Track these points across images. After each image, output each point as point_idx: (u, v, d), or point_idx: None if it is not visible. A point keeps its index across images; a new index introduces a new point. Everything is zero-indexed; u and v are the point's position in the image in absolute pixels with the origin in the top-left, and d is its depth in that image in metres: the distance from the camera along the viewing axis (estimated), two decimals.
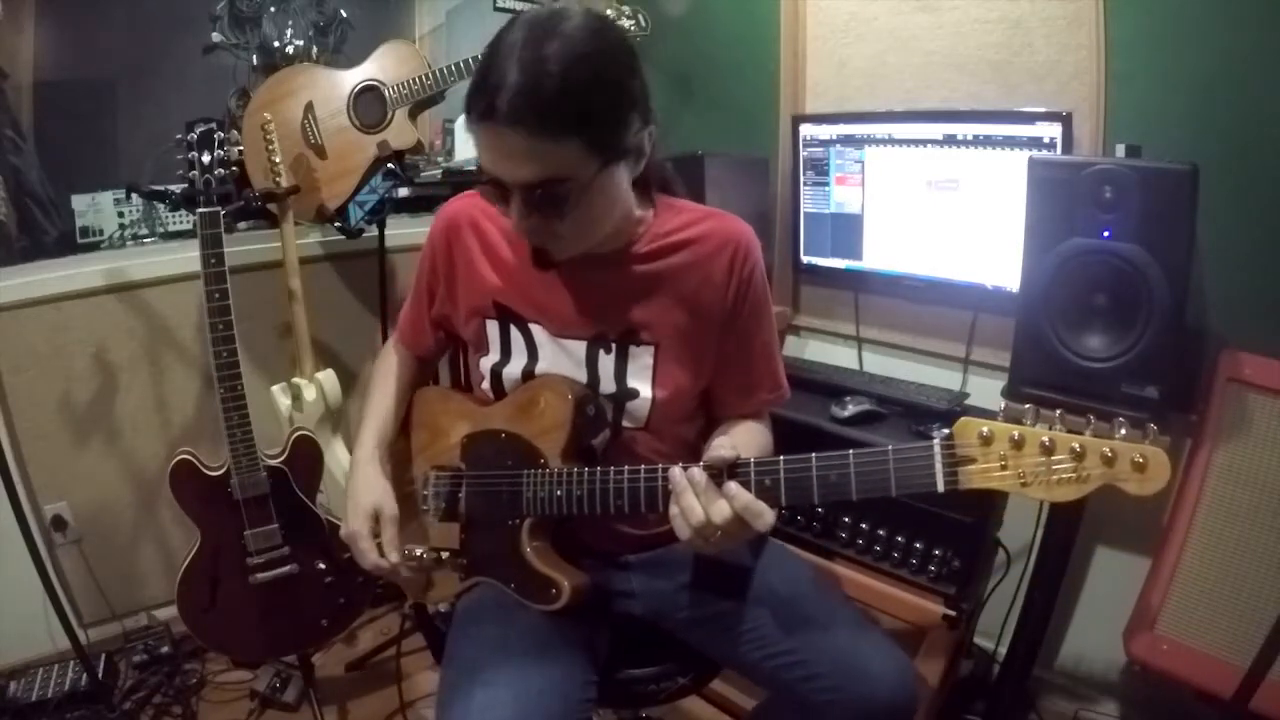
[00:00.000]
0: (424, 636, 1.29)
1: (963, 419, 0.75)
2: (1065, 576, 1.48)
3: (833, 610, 1.04)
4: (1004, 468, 0.73)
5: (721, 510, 0.83)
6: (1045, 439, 0.71)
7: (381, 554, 1.04)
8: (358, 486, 1.09)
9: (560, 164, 0.84)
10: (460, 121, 2.39)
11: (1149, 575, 1.41)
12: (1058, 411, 0.72)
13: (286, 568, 1.56)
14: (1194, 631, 1.34)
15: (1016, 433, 0.72)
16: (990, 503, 1.38)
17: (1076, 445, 0.70)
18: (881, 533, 1.47)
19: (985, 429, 0.73)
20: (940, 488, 0.76)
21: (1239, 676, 1.18)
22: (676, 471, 0.87)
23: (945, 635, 1.40)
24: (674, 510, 0.87)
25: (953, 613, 1.38)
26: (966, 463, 0.74)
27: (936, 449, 0.76)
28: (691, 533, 0.85)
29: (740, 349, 1.07)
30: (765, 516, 0.82)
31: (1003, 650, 1.65)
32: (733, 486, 0.83)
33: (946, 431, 0.76)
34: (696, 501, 0.85)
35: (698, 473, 0.86)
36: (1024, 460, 0.72)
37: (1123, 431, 0.69)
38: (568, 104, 0.81)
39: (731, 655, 1.10)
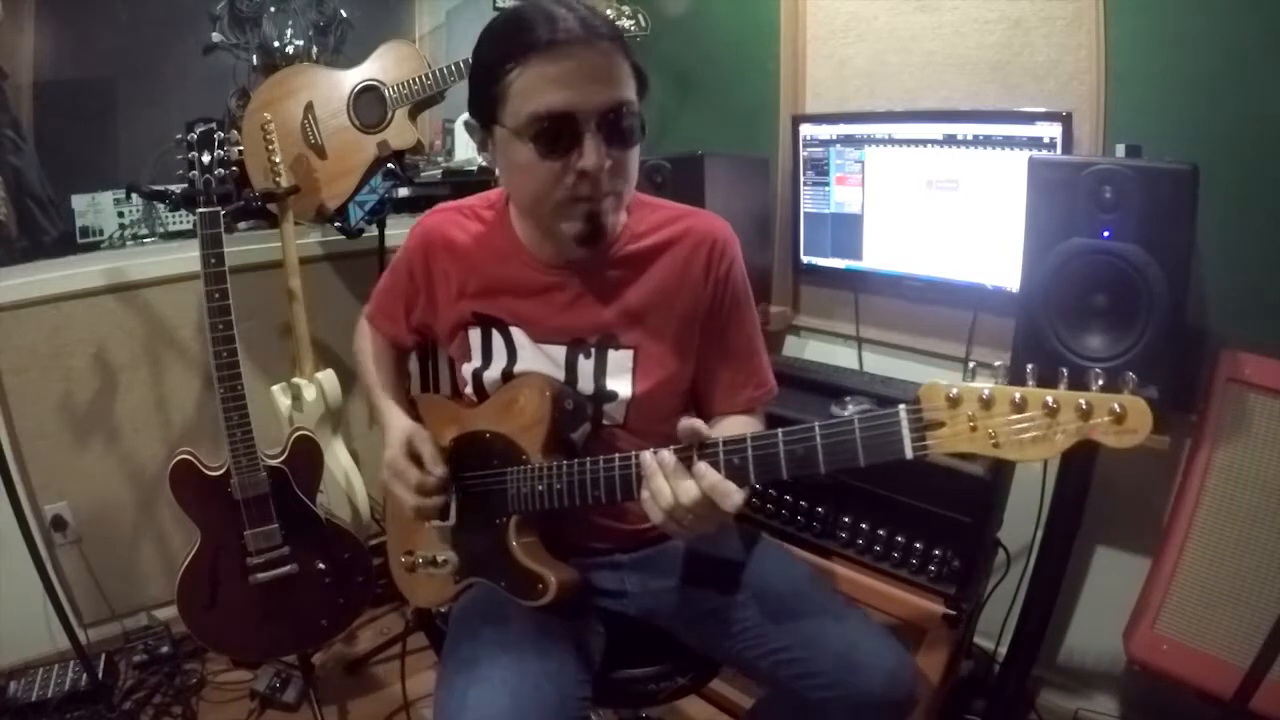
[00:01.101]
0: (426, 636, 1.29)
1: (930, 382, 0.72)
2: (1065, 576, 1.48)
3: (829, 606, 1.04)
4: (974, 429, 0.69)
5: (689, 491, 0.83)
6: (1016, 395, 0.67)
7: (427, 470, 1.04)
8: (388, 427, 1.11)
9: (629, 88, 0.89)
10: (461, 121, 2.39)
11: (1149, 575, 1.41)
12: (1029, 366, 0.68)
13: (286, 568, 1.56)
14: (1194, 631, 1.34)
15: (986, 391, 0.69)
16: (990, 502, 1.38)
17: (1050, 399, 0.66)
18: (881, 533, 1.47)
19: (953, 390, 0.70)
20: (909, 454, 0.73)
21: (1239, 676, 1.17)
22: (646, 455, 0.87)
23: (945, 635, 1.40)
24: (645, 494, 0.87)
25: (953, 612, 1.38)
26: (935, 427, 0.71)
27: (902, 414, 0.73)
28: (663, 515, 0.85)
29: (721, 347, 1.08)
30: (733, 496, 0.81)
31: (1003, 650, 1.65)
32: (701, 467, 0.83)
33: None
34: (665, 484, 0.84)
35: (666, 455, 0.86)
36: (994, 420, 0.68)
37: (1100, 383, 0.66)
38: (619, 30, 0.88)
39: (728, 653, 1.09)
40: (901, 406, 0.74)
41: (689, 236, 1.04)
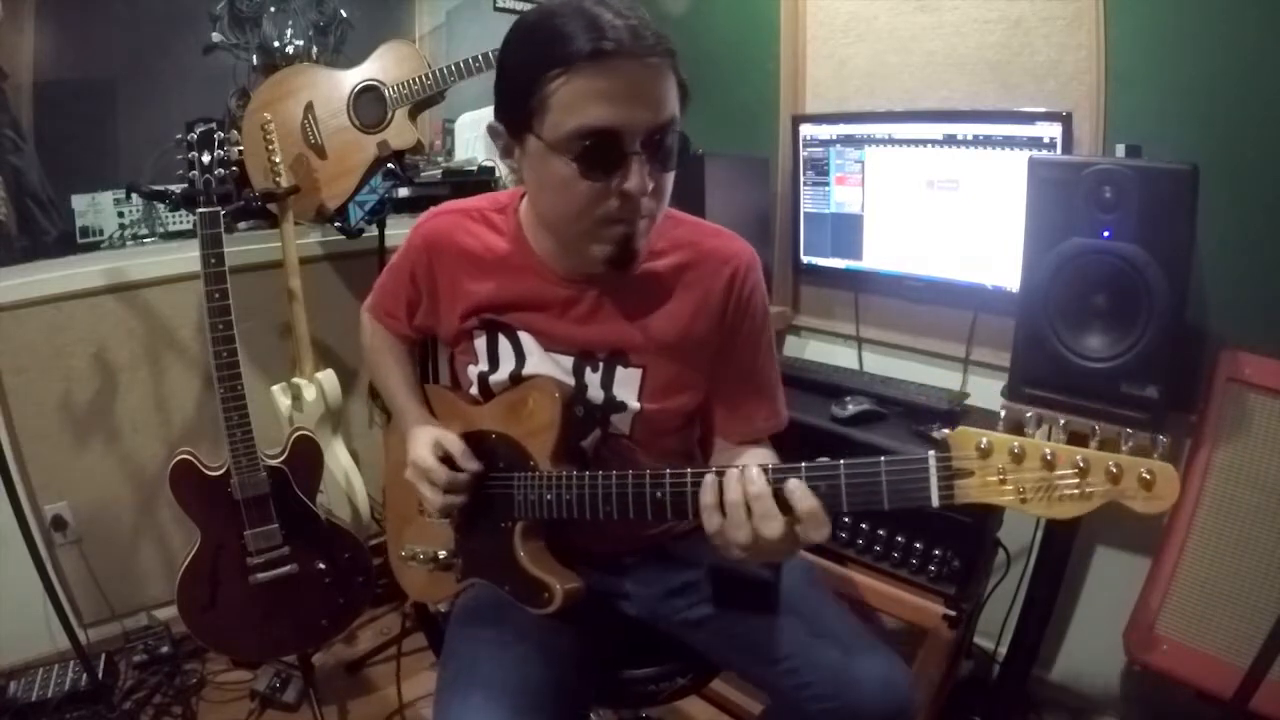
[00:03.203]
0: (425, 635, 1.29)
1: (960, 428, 0.71)
2: (1065, 576, 1.48)
3: (828, 619, 1.02)
4: (1003, 482, 0.69)
5: (773, 524, 0.77)
6: (1047, 452, 0.66)
7: (457, 469, 1.01)
8: (412, 425, 1.08)
9: (675, 106, 0.86)
10: (461, 121, 2.39)
11: (1149, 575, 1.41)
12: (1062, 421, 0.69)
13: (286, 568, 1.56)
14: (1194, 631, 1.34)
15: (1017, 444, 0.68)
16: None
17: (1080, 460, 0.65)
18: (881, 533, 1.47)
19: (984, 440, 0.69)
20: (935, 502, 0.72)
21: (1239, 676, 1.18)
22: (733, 474, 0.81)
23: (945, 635, 1.40)
24: (713, 518, 0.81)
25: (953, 613, 1.38)
26: (963, 475, 0.70)
27: (931, 461, 0.71)
28: (731, 544, 0.80)
29: (737, 373, 1.05)
30: (824, 528, 0.76)
31: (1003, 651, 1.65)
32: (797, 488, 0.77)
33: (946, 431, 0.73)
34: (744, 513, 0.79)
35: (756, 474, 0.79)
36: (1024, 474, 0.68)
37: (1130, 444, 0.67)
38: (670, 44, 0.84)
39: (726, 660, 1.09)
40: (931, 453, 0.72)
41: (711, 259, 1.01)
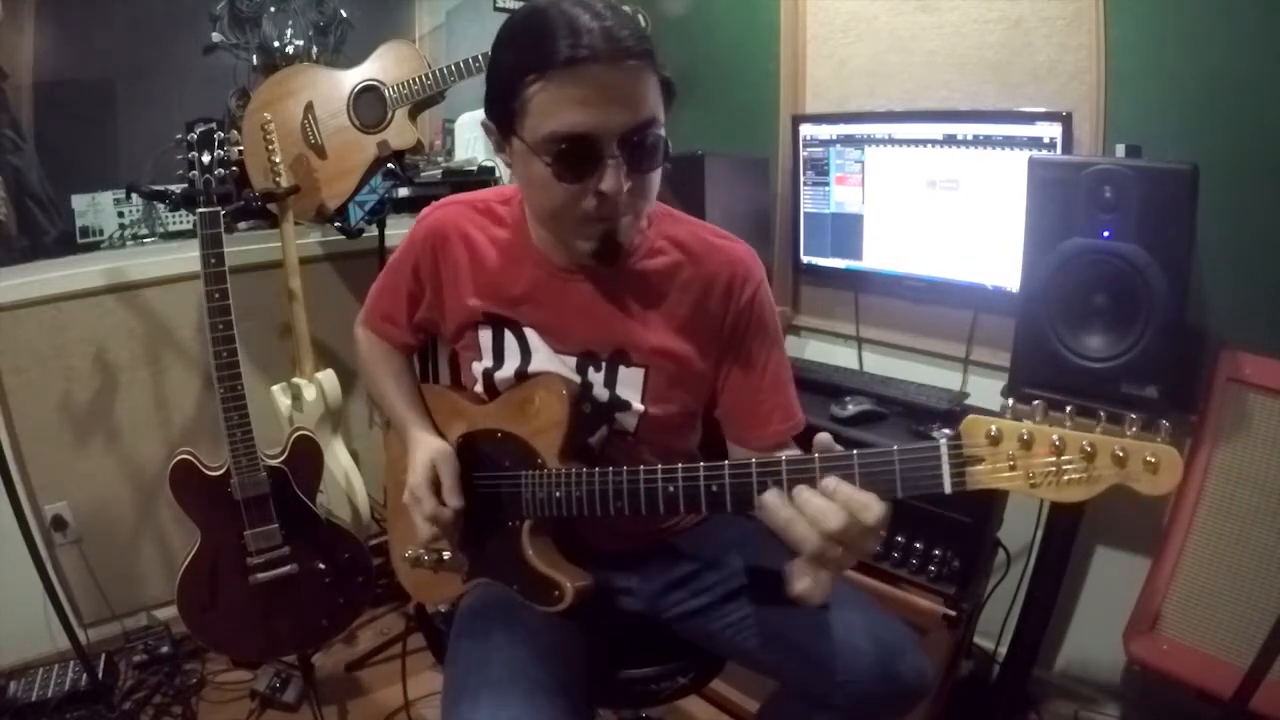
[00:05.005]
0: (424, 637, 1.29)
1: (970, 417, 0.72)
2: (1065, 576, 1.48)
3: (843, 600, 0.99)
4: (1013, 468, 0.70)
5: (832, 516, 0.74)
6: (1055, 438, 0.68)
7: (443, 502, 1.00)
8: (414, 449, 1.06)
9: (654, 105, 0.85)
10: (461, 121, 2.39)
11: (1149, 575, 1.41)
12: (1068, 409, 0.70)
13: (286, 568, 1.56)
14: (1194, 631, 1.34)
15: (1025, 432, 0.69)
16: (990, 502, 1.39)
17: (1087, 444, 0.67)
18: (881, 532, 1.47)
19: (993, 428, 0.70)
20: (947, 489, 0.73)
21: (1239, 676, 1.18)
22: (770, 497, 0.78)
23: (945, 635, 1.41)
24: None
25: (953, 613, 1.38)
26: (974, 463, 0.72)
27: (943, 449, 0.73)
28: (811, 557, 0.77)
29: (745, 378, 1.04)
30: (873, 508, 0.74)
31: (1003, 650, 1.65)
32: (830, 482, 0.76)
33: (949, 432, 0.74)
34: (802, 520, 0.76)
35: (802, 489, 0.77)
36: (1033, 460, 0.69)
37: (1134, 429, 0.67)
38: (647, 42, 0.83)
39: (732, 646, 1.08)
40: (942, 441, 0.73)
41: (710, 262, 1.01)
